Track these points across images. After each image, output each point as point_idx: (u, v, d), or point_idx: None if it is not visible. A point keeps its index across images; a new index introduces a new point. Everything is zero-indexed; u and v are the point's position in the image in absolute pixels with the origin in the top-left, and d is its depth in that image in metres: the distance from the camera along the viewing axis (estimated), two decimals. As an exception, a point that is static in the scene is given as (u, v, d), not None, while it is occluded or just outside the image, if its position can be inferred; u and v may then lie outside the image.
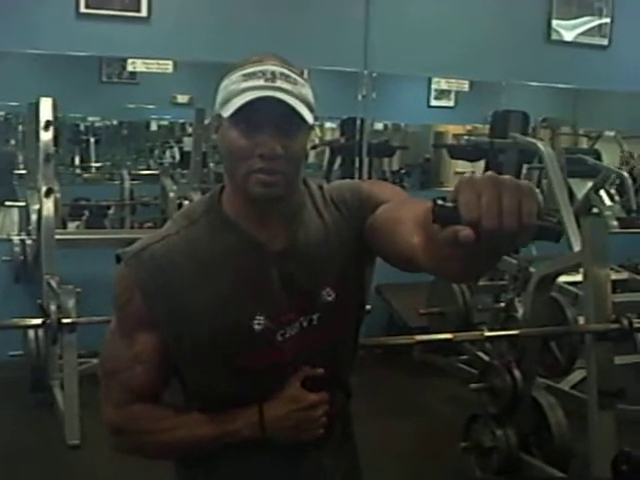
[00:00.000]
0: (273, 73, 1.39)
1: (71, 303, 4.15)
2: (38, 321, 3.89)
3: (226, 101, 1.40)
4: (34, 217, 5.09)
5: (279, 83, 1.39)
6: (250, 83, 1.38)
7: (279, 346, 1.49)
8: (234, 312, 1.46)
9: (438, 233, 0.99)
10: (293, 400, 1.50)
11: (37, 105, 4.82)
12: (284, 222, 1.50)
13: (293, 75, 1.42)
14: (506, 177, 0.96)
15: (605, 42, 6.89)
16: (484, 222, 0.93)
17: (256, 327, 1.47)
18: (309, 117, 1.40)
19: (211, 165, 7.45)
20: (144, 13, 5.60)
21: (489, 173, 0.97)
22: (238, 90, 1.39)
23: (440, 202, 0.98)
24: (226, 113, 1.39)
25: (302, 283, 1.50)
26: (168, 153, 7.81)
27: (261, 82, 1.38)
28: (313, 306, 1.51)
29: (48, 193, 4.72)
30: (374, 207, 1.48)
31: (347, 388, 1.64)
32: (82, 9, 5.44)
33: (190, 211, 1.54)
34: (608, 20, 6.88)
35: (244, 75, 1.39)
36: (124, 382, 1.50)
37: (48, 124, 4.74)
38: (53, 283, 4.47)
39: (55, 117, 4.86)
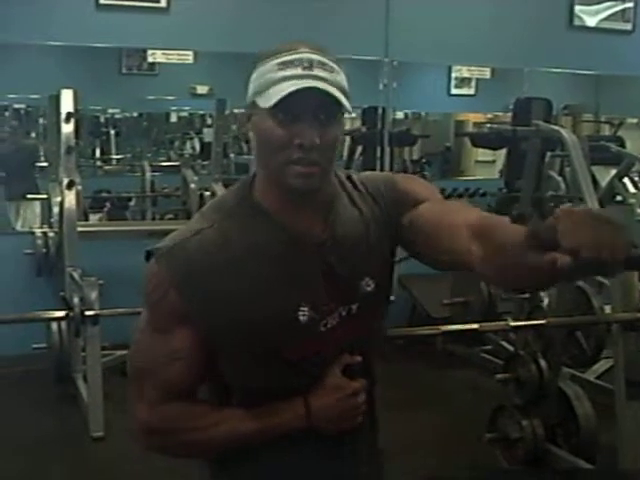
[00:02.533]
0: (310, 61, 1.36)
1: (94, 295, 4.15)
2: (61, 313, 3.91)
3: (262, 90, 1.37)
4: (56, 210, 5.12)
5: (316, 71, 1.35)
6: (287, 72, 1.34)
7: (322, 336, 1.48)
8: (278, 304, 1.44)
9: (531, 255, 1.09)
10: (337, 388, 1.49)
11: (58, 97, 4.83)
12: (319, 213, 1.49)
13: (329, 62, 1.38)
14: (600, 212, 1.06)
15: (629, 27, 6.82)
16: (582, 252, 1.03)
17: (301, 318, 1.45)
18: (347, 104, 1.38)
19: (232, 156, 7.46)
20: (163, 3, 5.58)
21: (587, 208, 1.07)
22: (275, 79, 1.35)
23: (533, 227, 1.09)
24: (265, 104, 1.35)
25: (342, 274, 1.49)
26: (188, 144, 7.84)
27: (299, 71, 1.35)
28: (353, 296, 1.51)
29: (70, 185, 4.72)
30: (412, 204, 1.49)
31: (374, 375, 1.64)
32: (102, 0, 5.44)
33: (221, 204, 1.51)
34: (631, 5, 6.82)
35: (280, 64, 1.35)
36: (161, 380, 1.46)
37: (69, 116, 4.74)
38: (75, 275, 4.48)
39: (76, 109, 4.86)
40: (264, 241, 1.45)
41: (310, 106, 1.36)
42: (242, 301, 1.42)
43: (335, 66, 1.39)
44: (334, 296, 1.49)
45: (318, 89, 1.34)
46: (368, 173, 1.65)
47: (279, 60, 1.36)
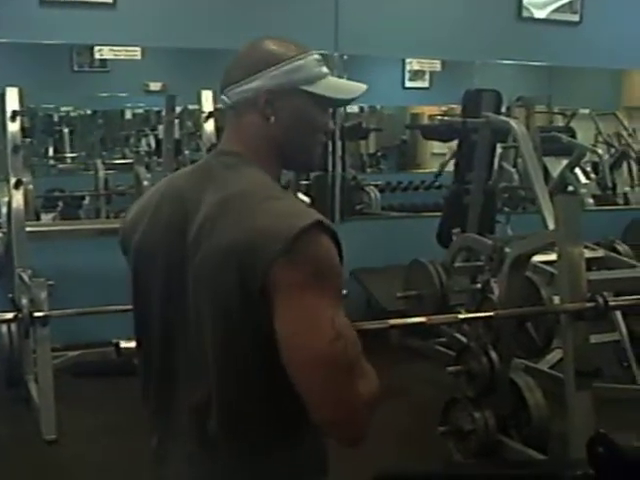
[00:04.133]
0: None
1: (43, 296, 4.10)
2: (10, 315, 3.86)
3: (312, 81, 1.54)
4: (4, 210, 5.04)
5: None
6: (325, 69, 1.59)
7: None
8: None
9: None
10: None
11: (3, 96, 4.75)
12: None
13: None
14: None
15: (576, 18, 6.86)
16: None
17: None
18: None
19: (186, 152, 7.40)
20: (110, -1, 5.51)
21: None
22: (322, 73, 1.57)
23: None
24: (334, 93, 1.57)
25: None
26: (143, 141, 7.77)
27: (326, 69, 1.60)
28: None
29: (17, 185, 4.66)
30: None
31: None
32: (45, -4, 5.35)
33: (273, 185, 1.53)
34: (578, -5, 6.86)
35: (317, 60, 1.57)
36: (359, 350, 1.43)
37: (15, 114, 4.68)
38: (25, 276, 4.42)
39: (23, 107, 4.80)
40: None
41: None
42: None
43: None
44: None
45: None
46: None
47: (315, 57, 1.57)
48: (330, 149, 6.25)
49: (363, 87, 1.61)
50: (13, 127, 4.69)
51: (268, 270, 1.35)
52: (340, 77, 1.65)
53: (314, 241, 1.37)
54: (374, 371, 1.46)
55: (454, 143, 6.16)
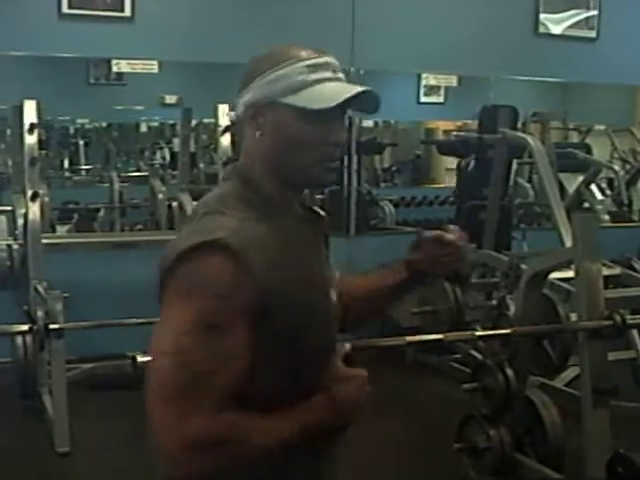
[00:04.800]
0: (335, 66, 1.44)
1: (58, 308, 4.11)
2: (25, 327, 3.87)
3: (295, 91, 1.40)
4: (20, 222, 5.05)
5: (340, 75, 1.45)
6: (320, 75, 1.41)
7: (334, 322, 1.54)
8: (321, 289, 1.48)
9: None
10: (349, 378, 1.45)
11: (21, 108, 4.77)
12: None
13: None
14: None
15: (593, 34, 6.87)
16: None
17: (333, 298, 1.52)
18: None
19: (201, 166, 7.43)
20: (128, 13, 5.54)
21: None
22: (310, 81, 1.40)
23: None
24: (309, 103, 1.40)
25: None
26: (158, 154, 7.80)
27: (329, 74, 1.42)
28: (334, 280, 1.60)
29: (34, 197, 4.67)
30: None
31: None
32: (64, 9, 5.39)
33: (232, 197, 1.44)
34: (595, 12, 6.86)
35: (309, 66, 1.41)
36: (219, 383, 1.31)
37: (32, 127, 4.69)
38: (40, 288, 4.42)
39: (40, 120, 4.82)
40: (294, 228, 1.47)
41: (346, 107, 1.44)
42: (304, 287, 1.42)
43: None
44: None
45: (371, 92, 1.44)
46: None
47: (307, 62, 1.42)
48: (345, 163, 6.26)
49: (351, 90, 1.41)
50: (31, 140, 4.71)
51: (161, 286, 1.37)
52: (338, 79, 1.46)
53: (194, 261, 1.32)
54: (251, 434, 1.33)
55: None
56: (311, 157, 1.42)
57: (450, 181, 7.92)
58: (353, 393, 1.44)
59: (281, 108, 1.41)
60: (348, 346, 1.49)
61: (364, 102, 1.46)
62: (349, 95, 1.39)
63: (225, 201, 1.43)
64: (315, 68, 1.41)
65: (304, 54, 1.43)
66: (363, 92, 1.42)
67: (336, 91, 1.40)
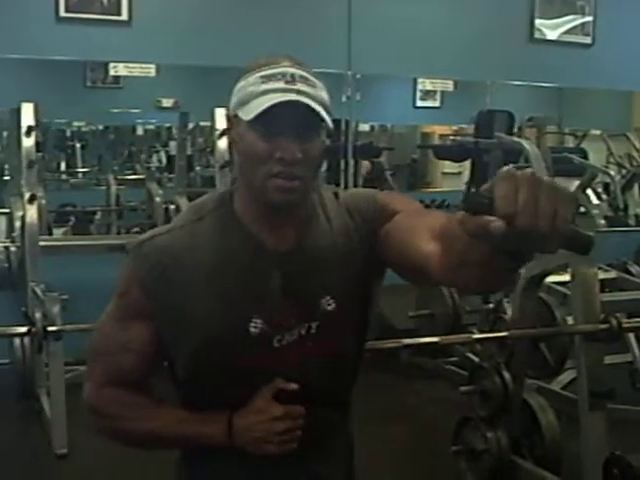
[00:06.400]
0: (293, 75, 1.37)
1: (56, 310, 4.11)
2: (23, 329, 3.85)
3: (244, 103, 1.38)
4: (18, 224, 5.06)
5: (299, 86, 1.36)
6: (270, 85, 1.36)
7: (275, 352, 1.46)
8: (233, 313, 1.44)
9: (466, 225, 0.96)
10: (258, 411, 1.47)
11: (18, 111, 4.78)
12: (294, 227, 1.48)
13: (311, 77, 1.39)
14: (547, 178, 0.93)
15: (588, 40, 6.91)
16: (518, 219, 0.91)
17: (252, 330, 1.44)
18: (329, 120, 1.39)
19: (198, 169, 7.44)
20: (125, 17, 5.56)
21: (530, 171, 0.94)
22: (257, 92, 1.36)
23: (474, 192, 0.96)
24: (246, 116, 1.36)
25: (302, 288, 1.47)
26: (155, 157, 7.80)
27: (281, 84, 1.36)
28: (312, 314, 1.48)
29: (31, 199, 4.68)
30: (389, 217, 1.46)
31: (341, 402, 1.62)
32: (62, 13, 5.41)
33: (200, 206, 1.52)
34: (591, 18, 6.90)
35: (263, 77, 1.37)
36: (109, 366, 1.52)
37: (30, 129, 4.70)
38: (38, 290, 4.43)
39: (37, 122, 4.82)
40: (230, 249, 1.45)
41: (293, 120, 1.36)
42: (200, 307, 1.43)
43: (317, 81, 1.40)
44: (293, 312, 1.47)
45: (300, 103, 1.34)
46: (353, 190, 1.69)
47: (262, 73, 1.37)
48: (342, 167, 6.28)
49: (270, 101, 1.34)
50: (28, 142, 4.71)
51: None
52: (290, 90, 1.36)
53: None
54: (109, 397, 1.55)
55: (467, 163, 6.17)
56: (262, 172, 1.37)
57: (446, 185, 7.94)
58: (251, 425, 1.46)
59: (239, 120, 1.39)
60: (282, 382, 1.46)
61: (306, 117, 1.36)
62: (264, 107, 1.33)
63: (191, 206, 1.55)
64: (268, 79, 1.36)
65: (263, 64, 1.39)
66: (305, 104, 1.34)
67: (265, 102, 1.34)
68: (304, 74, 1.38)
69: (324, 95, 1.40)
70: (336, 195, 1.56)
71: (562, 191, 0.93)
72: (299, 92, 1.35)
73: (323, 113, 1.36)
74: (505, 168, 0.95)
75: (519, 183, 0.92)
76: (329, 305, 1.48)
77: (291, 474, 1.56)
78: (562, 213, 0.92)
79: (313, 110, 1.35)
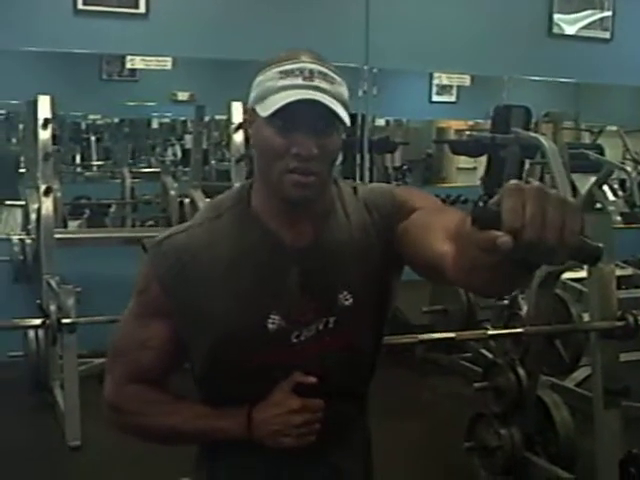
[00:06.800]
0: (311, 71, 1.36)
1: (71, 303, 4.11)
2: (38, 321, 3.86)
3: (262, 98, 1.37)
4: (33, 216, 5.07)
5: (317, 82, 1.35)
6: (288, 81, 1.35)
7: (293, 348, 1.47)
8: (251, 310, 1.44)
9: (474, 236, 0.98)
10: (276, 404, 1.47)
11: (35, 103, 4.79)
12: (312, 222, 1.48)
13: (330, 73, 1.38)
14: (554, 191, 0.95)
15: (607, 35, 6.87)
16: (526, 232, 0.92)
17: (270, 326, 1.45)
18: (346, 117, 1.37)
19: (213, 162, 7.45)
20: (142, 9, 5.57)
21: (537, 184, 0.95)
22: (275, 88, 1.35)
23: (482, 205, 0.97)
24: (263, 112, 1.36)
25: (320, 284, 1.47)
26: (170, 151, 7.82)
27: (299, 81, 1.35)
28: (330, 309, 1.48)
29: (47, 192, 4.69)
30: (407, 213, 1.45)
31: (358, 396, 1.62)
32: (80, 6, 5.44)
33: (218, 203, 1.53)
34: (610, 13, 6.86)
35: (281, 72, 1.36)
36: (129, 363, 1.53)
37: (46, 122, 4.71)
38: (53, 283, 4.44)
39: (53, 115, 4.83)
40: (249, 246, 1.46)
41: (309, 116, 1.35)
42: (218, 305, 1.44)
43: (336, 77, 1.39)
44: (310, 308, 1.47)
45: (316, 101, 1.33)
46: (372, 185, 1.65)
47: (280, 68, 1.36)
48: (358, 162, 6.27)
49: (286, 99, 1.33)
50: (44, 135, 4.72)
51: None
52: (307, 86, 1.34)
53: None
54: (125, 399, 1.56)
55: (482, 158, 6.15)
56: (279, 168, 1.37)
57: (461, 180, 7.92)
58: (269, 418, 1.47)
59: (256, 115, 1.39)
60: (300, 376, 1.46)
61: (322, 113, 1.35)
62: (282, 104, 1.32)
63: (210, 204, 1.56)
64: (286, 74, 1.35)
65: (282, 58, 1.38)
66: (316, 102, 1.33)
67: (282, 99, 1.33)
68: (323, 70, 1.37)
69: (343, 91, 1.40)
70: (355, 190, 1.55)
71: (569, 203, 0.95)
72: (317, 89, 1.34)
73: (340, 110, 1.35)
74: (511, 182, 0.96)
75: (526, 196, 0.93)
76: (347, 300, 1.48)
77: (310, 468, 1.56)
78: (570, 225, 0.94)
79: (328, 108, 1.34)
